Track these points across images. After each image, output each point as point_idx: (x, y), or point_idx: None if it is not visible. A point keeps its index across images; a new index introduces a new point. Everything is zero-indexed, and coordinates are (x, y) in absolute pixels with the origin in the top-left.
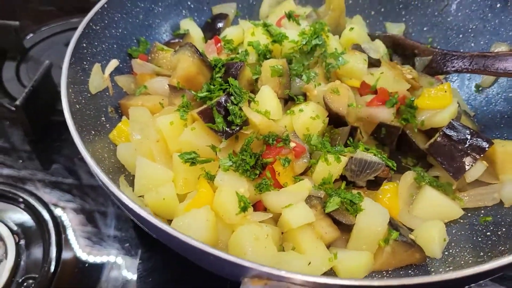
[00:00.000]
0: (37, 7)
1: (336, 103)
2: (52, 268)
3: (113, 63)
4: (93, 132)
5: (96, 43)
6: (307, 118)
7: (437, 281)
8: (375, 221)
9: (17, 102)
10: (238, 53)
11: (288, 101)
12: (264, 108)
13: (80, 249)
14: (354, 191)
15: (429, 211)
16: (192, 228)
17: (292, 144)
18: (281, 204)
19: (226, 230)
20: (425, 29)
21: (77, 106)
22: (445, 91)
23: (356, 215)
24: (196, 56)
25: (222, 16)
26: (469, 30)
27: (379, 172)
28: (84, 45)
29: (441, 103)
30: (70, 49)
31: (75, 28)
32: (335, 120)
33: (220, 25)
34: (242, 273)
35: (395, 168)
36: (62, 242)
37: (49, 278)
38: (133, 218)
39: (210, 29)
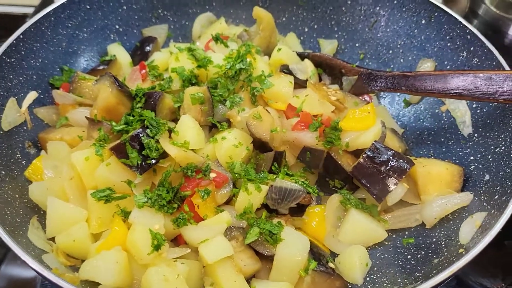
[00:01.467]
0: None
1: (259, 128)
2: None
3: (32, 95)
4: (3, 173)
5: (11, 76)
6: (230, 146)
7: None
8: (295, 250)
9: None
10: (163, 79)
11: (212, 128)
12: (184, 139)
13: None
14: (275, 220)
15: (354, 235)
16: (102, 272)
17: (213, 175)
18: (199, 238)
19: (140, 269)
20: (357, 45)
21: None
22: (369, 112)
23: (276, 245)
24: (115, 87)
25: (151, 40)
26: (398, 46)
27: (300, 199)
28: None
29: (364, 124)
30: None
31: None
32: (260, 145)
33: (148, 48)
34: None
35: (316, 194)
36: None
37: None
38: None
39: (139, 53)
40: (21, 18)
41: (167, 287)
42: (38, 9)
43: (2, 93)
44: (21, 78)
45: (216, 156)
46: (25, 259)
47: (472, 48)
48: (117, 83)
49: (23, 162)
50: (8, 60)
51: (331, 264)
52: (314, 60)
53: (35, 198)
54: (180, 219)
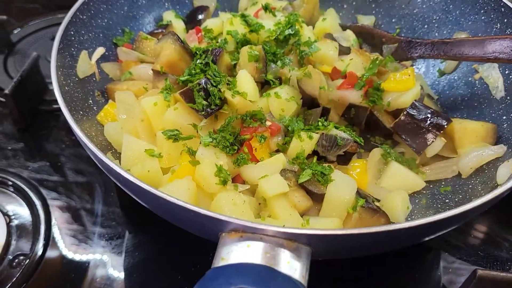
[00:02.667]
0: (23, 5)
1: (309, 85)
2: (41, 246)
3: (100, 51)
4: (81, 113)
5: (83, 32)
6: (282, 100)
7: (396, 229)
8: (344, 190)
9: (7, 91)
10: (218, 42)
11: (265, 85)
12: (242, 90)
13: (65, 245)
14: (325, 164)
15: (395, 183)
16: (175, 195)
17: (268, 123)
18: (258, 175)
19: (207, 198)
20: (393, 20)
21: (66, 88)
22: (409, 75)
23: (326, 186)
24: (178, 43)
25: (203, 8)
26: (433, 21)
27: (348, 147)
28: (72, 32)
29: (405, 86)
30: (58, 35)
31: (60, 23)
32: (308, 102)
33: (200, 16)
34: (220, 228)
35: (362, 143)
36: (51, 222)
37: (39, 255)
38: (122, 187)
39: (191, 21)
40: None
41: (235, 209)
42: None
43: (76, 45)
44: (90, 35)
45: (270, 109)
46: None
47: (505, 20)
48: (179, 40)
49: (94, 108)
50: (81, 17)
51: (376, 204)
52: (355, 31)
53: (109, 136)
54: (240, 159)
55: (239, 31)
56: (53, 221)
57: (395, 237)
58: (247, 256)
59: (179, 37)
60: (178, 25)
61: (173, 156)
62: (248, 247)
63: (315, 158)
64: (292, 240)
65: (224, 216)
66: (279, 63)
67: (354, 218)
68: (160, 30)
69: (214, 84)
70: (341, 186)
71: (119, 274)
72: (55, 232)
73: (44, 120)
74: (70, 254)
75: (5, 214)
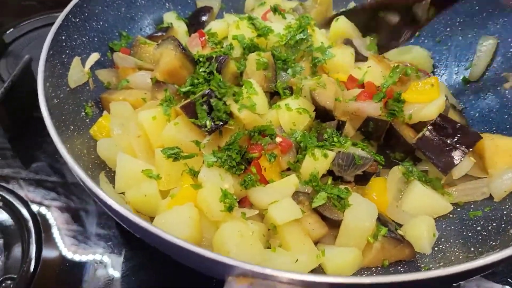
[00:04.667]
0: (17, 2)
1: (323, 96)
2: (32, 268)
3: (94, 57)
4: (72, 128)
5: (75, 36)
6: (294, 113)
7: (429, 278)
8: (363, 216)
9: None
10: (222, 47)
11: (274, 95)
12: (249, 103)
13: (66, 248)
14: (342, 186)
15: (418, 206)
16: (175, 226)
17: (278, 139)
18: (267, 200)
19: (211, 227)
20: None
21: (55, 101)
22: (432, 85)
23: (344, 211)
24: (179, 50)
25: (206, 9)
26: (456, 24)
27: (367, 167)
28: (63, 37)
29: (428, 97)
30: (47, 42)
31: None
32: (322, 114)
33: (204, 18)
34: (226, 271)
35: (383, 163)
36: (42, 241)
37: (28, 278)
38: (114, 217)
39: (194, 23)
40: None
41: (243, 243)
42: None
43: (68, 51)
44: (84, 39)
45: (280, 122)
46: (106, 200)
47: None
48: (181, 46)
49: (87, 121)
50: (74, 20)
51: (400, 232)
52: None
53: (103, 154)
54: (248, 181)
55: (246, 36)
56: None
57: (426, 284)
58: None
59: (180, 43)
60: (180, 28)
61: (173, 177)
62: None
63: (330, 179)
64: None
65: (231, 260)
66: (289, 71)
67: (375, 248)
68: (159, 34)
69: (219, 97)
70: (360, 212)
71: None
72: (47, 252)
73: (37, 127)
74: (70, 265)
75: None
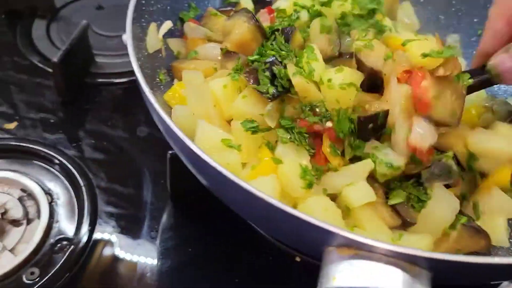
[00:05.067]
0: None
1: (369, 57)
2: (86, 235)
3: (167, 24)
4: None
5: (152, 2)
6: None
7: None
8: (446, 211)
9: (55, 59)
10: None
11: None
12: (308, 69)
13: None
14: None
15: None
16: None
17: (329, 124)
18: (342, 183)
19: (289, 203)
20: (475, 20)
21: (138, 63)
22: None
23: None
24: (252, 22)
25: None
26: None
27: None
28: (143, 1)
29: None
30: (132, 3)
31: None
32: (370, 79)
33: None
34: (325, 241)
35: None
36: (97, 205)
37: (84, 241)
38: (201, 177)
39: (260, 1)
40: None
41: (327, 216)
42: None
43: (146, 16)
44: (158, 6)
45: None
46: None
47: None
48: (254, 18)
49: (161, 87)
50: None
51: (477, 222)
52: None
53: (177, 120)
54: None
55: (308, 4)
56: (99, 204)
57: None
58: (366, 279)
59: (253, 15)
60: (247, 4)
61: (252, 150)
62: (366, 268)
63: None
64: (415, 264)
65: (335, 228)
66: (353, 35)
67: (452, 237)
68: (228, 8)
69: (280, 60)
70: (443, 205)
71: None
72: (101, 216)
73: (89, 94)
74: (118, 242)
75: (47, 193)
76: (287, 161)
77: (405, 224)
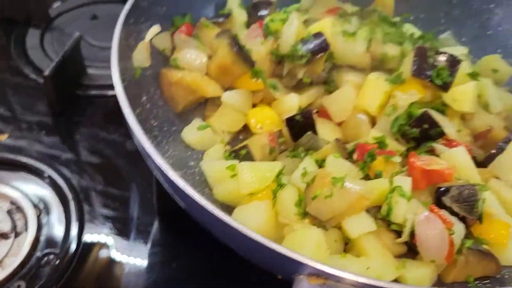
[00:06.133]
0: None
1: None
2: (74, 245)
3: (155, 29)
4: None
5: (142, 19)
6: None
7: None
8: None
9: (46, 73)
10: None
11: None
12: None
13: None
14: None
15: None
16: (251, 218)
17: None
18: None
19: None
20: (463, 39)
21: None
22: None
23: None
24: (234, 49)
25: (267, 3)
26: (509, 46)
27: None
28: (132, 21)
29: None
30: (120, 21)
31: (103, 1)
32: None
33: (264, 12)
34: (297, 270)
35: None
36: (84, 218)
37: (70, 254)
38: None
39: (254, 14)
40: None
41: (315, 247)
42: None
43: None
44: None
45: None
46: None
47: None
48: (235, 44)
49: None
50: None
51: (485, 246)
52: None
53: None
54: None
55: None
56: (86, 213)
57: None
58: None
59: (235, 40)
60: (240, 17)
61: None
62: None
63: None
64: None
65: (305, 258)
66: None
67: (460, 262)
68: (221, 19)
69: None
70: None
71: None
72: (89, 230)
73: (80, 106)
74: (106, 255)
75: (36, 206)
76: (289, 187)
77: (412, 251)
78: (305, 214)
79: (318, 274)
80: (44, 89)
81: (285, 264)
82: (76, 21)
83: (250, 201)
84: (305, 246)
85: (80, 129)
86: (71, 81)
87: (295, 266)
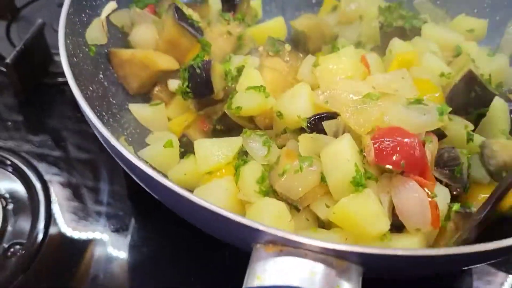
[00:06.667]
0: None
1: None
2: (40, 236)
3: (111, 5)
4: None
5: None
6: None
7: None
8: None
9: (8, 60)
10: None
11: None
12: None
13: (65, 224)
14: None
15: None
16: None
17: None
18: None
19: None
20: None
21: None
22: None
23: None
24: (176, 20)
25: None
26: None
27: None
28: None
29: None
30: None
31: None
32: None
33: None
34: (253, 239)
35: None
36: (51, 210)
37: (37, 245)
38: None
39: (227, 4)
40: None
41: (278, 218)
42: None
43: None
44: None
45: None
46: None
47: None
48: (177, 16)
49: None
50: None
51: (473, 208)
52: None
53: None
54: None
55: None
56: (53, 203)
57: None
58: (288, 276)
59: (178, 11)
60: (215, 4)
61: None
62: (289, 265)
63: None
64: (343, 259)
65: (260, 225)
66: None
67: (449, 228)
68: (197, 2)
69: None
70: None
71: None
72: (56, 215)
73: (48, 94)
74: (71, 241)
75: (1, 197)
76: (252, 162)
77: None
78: (268, 194)
79: (277, 241)
80: (8, 77)
81: (242, 234)
82: (42, 10)
83: (210, 180)
84: (264, 217)
85: (47, 118)
86: (37, 69)
87: (252, 235)
